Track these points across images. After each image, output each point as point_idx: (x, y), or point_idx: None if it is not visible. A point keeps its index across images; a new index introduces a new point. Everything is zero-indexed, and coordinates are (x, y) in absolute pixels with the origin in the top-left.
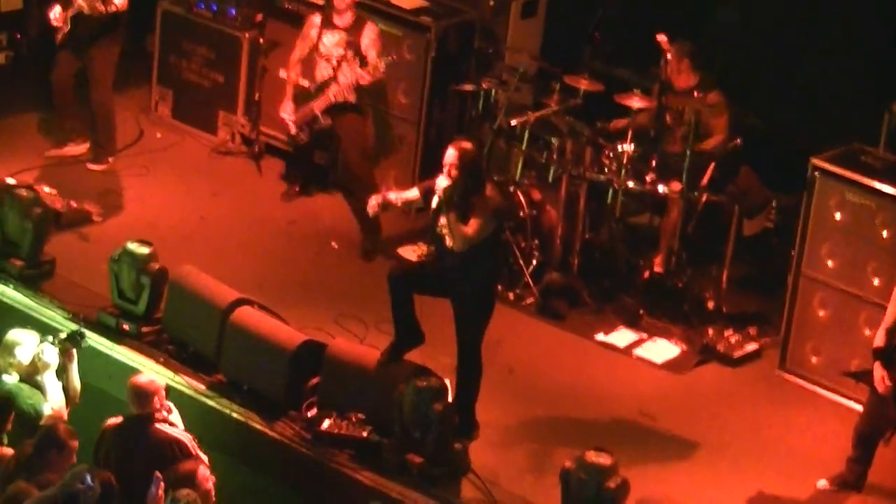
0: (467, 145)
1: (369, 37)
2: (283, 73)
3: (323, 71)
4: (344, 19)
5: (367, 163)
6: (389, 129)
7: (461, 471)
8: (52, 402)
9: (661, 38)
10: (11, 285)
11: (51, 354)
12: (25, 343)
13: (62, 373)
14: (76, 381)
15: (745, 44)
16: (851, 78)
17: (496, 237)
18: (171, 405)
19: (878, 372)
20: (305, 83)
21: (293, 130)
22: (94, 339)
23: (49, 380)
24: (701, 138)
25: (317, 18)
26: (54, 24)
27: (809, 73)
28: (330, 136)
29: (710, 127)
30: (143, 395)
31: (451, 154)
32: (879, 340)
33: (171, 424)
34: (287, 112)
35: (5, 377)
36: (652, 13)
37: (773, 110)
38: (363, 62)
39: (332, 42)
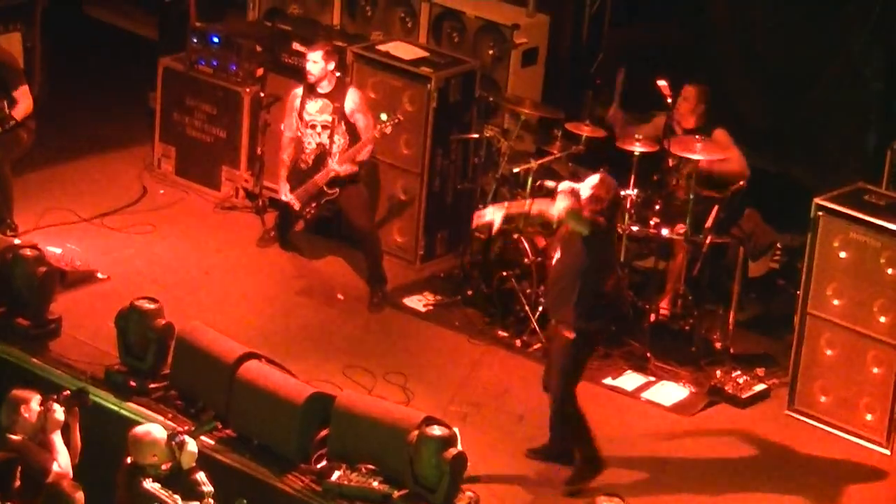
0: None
1: (354, 101)
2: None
3: (311, 140)
4: (324, 87)
5: (372, 223)
6: (395, 180)
7: None
8: (59, 460)
9: (662, 83)
10: (18, 345)
11: (58, 413)
12: (29, 401)
13: (65, 431)
14: (78, 440)
15: (747, 83)
16: (854, 117)
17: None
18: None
19: None
20: (302, 165)
21: (297, 207)
22: (101, 397)
23: (56, 438)
24: (714, 184)
25: (298, 90)
26: None
27: (812, 112)
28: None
29: (722, 167)
30: (137, 445)
31: (594, 178)
32: None
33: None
34: (286, 194)
35: (11, 435)
36: (650, 58)
37: (776, 151)
38: (350, 127)
39: (315, 109)
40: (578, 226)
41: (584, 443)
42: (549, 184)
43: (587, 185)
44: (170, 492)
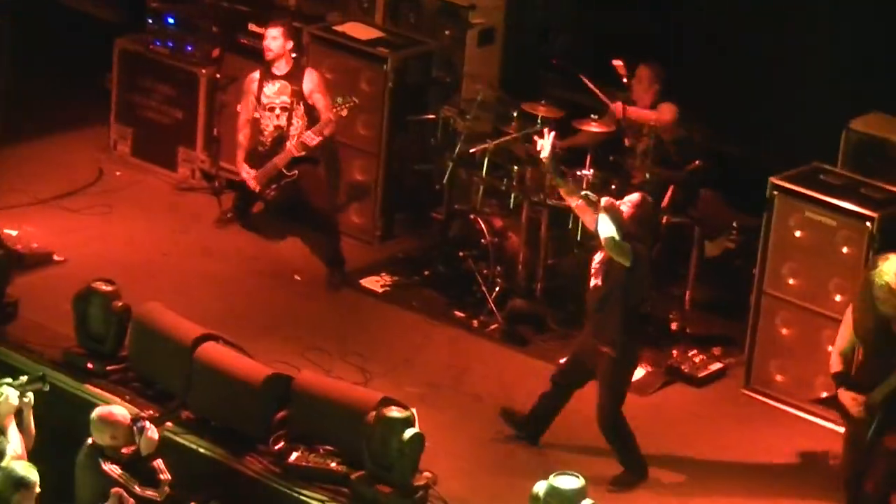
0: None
1: (312, 81)
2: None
3: (269, 122)
4: (281, 68)
5: (330, 204)
6: (352, 161)
7: (430, 500)
8: (14, 446)
9: (618, 63)
10: None
11: (11, 398)
12: None
13: (18, 415)
14: (31, 426)
15: (707, 65)
16: (813, 97)
17: (627, 289)
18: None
19: (846, 396)
20: (260, 147)
21: (257, 189)
22: (59, 379)
23: (10, 423)
24: (670, 163)
25: (255, 74)
26: None
27: (770, 91)
28: (292, 183)
29: (669, 147)
30: (97, 426)
31: (634, 196)
32: (836, 366)
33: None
34: (245, 172)
35: None
36: (608, 38)
37: (734, 132)
38: (308, 108)
39: (273, 91)
40: (621, 258)
41: (631, 450)
42: (593, 196)
43: (628, 205)
44: (128, 476)
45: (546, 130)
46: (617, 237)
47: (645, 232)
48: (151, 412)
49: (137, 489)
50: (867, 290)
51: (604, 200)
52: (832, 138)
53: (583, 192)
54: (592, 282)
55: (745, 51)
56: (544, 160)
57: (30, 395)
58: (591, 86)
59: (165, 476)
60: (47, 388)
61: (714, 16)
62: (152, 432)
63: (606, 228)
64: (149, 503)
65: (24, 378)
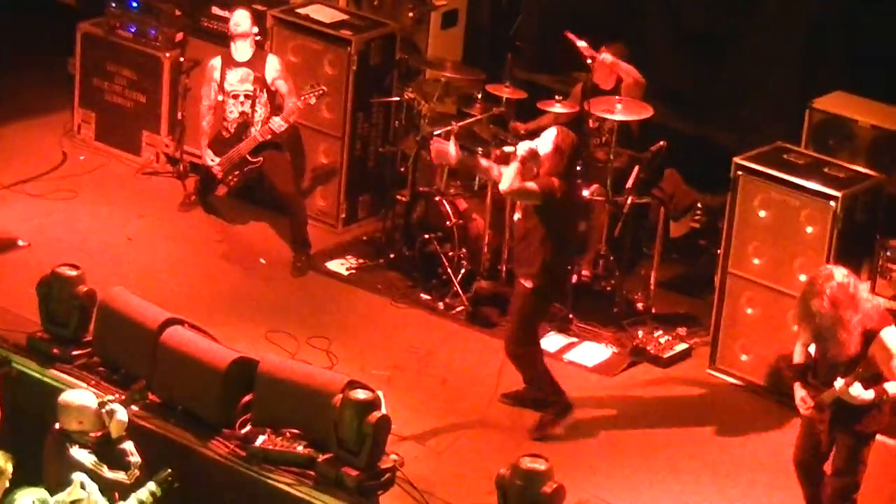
0: (570, 132)
1: (274, 68)
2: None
3: (233, 109)
4: (243, 53)
5: (296, 187)
6: (316, 144)
7: (397, 482)
8: None
9: (581, 43)
10: None
11: None
12: None
13: None
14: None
15: (669, 45)
16: (775, 76)
17: (548, 224)
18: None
19: (799, 393)
20: (224, 133)
21: (220, 175)
22: (24, 365)
23: None
24: (634, 143)
25: (216, 61)
26: None
27: (732, 72)
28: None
29: (631, 126)
30: (66, 410)
31: (551, 131)
32: (798, 357)
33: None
34: (210, 159)
35: None
36: (571, 19)
37: (698, 112)
38: (272, 96)
39: (236, 79)
40: (529, 200)
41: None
42: (508, 149)
43: (547, 141)
44: (96, 460)
45: (443, 138)
46: (515, 186)
47: (565, 163)
48: (118, 395)
49: (107, 472)
50: (805, 305)
51: (520, 148)
52: (793, 117)
53: (504, 149)
54: (515, 215)
55: (704, 29)
56: (455, 164)
57: None
58: (576, 41)
59: (135, 458)
60: (14, 372)
61: None
62: (122, 414)
63: (505, 181)
64: (118, 486)
65: None
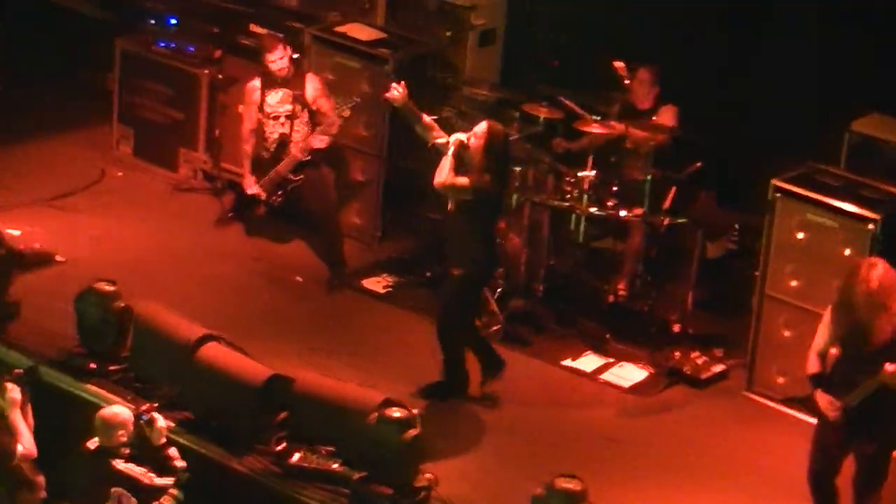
0: (500, 127)
1: (314, 87)
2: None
3: (273, 130)
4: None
5: (332, 205)
6: (353, 162)
7: (431, 501)
8: (23, 441)
9: (619, 64)
10: None
11: (14, 392)
12: None
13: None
14: (31, 419)
15: (701, 65)
16: (807, 97)
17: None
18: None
19: (823, 399)
20: (264, 153)
21: (264, 197)
22: (60, 380)
23: (16, 418)
24: (664, 164)
25: (256, 82)
26: None
27: (765, 92)
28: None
29: (669, 150)
30: (107, 427)
31: (482, 125)
32: (813, 366)
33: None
34: (251, 186)
35: None
36: (608, 39)
37: (729, 132)
38: (313, 115)
39: (276, 100)
40: (460, 195)
41: (483, 348)
42: (441, 141)
43: (477, 135)
44: (143, 469)
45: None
46: (448, 181)
47: (497, 158)
48: (151, 404)
49: (157, 480)
50: (847, 294)
51: (453, 139)
52: (828, 139)
53: (436, 141)
54: (449, 206)
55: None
56: (399, 104)
57: (26, 388)
58: (613, 61)
59: (181, 463)
60: (42, 378)
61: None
62: (161, 422)
63: (440, 173)
64: (163, 493)
65: (20, 371)
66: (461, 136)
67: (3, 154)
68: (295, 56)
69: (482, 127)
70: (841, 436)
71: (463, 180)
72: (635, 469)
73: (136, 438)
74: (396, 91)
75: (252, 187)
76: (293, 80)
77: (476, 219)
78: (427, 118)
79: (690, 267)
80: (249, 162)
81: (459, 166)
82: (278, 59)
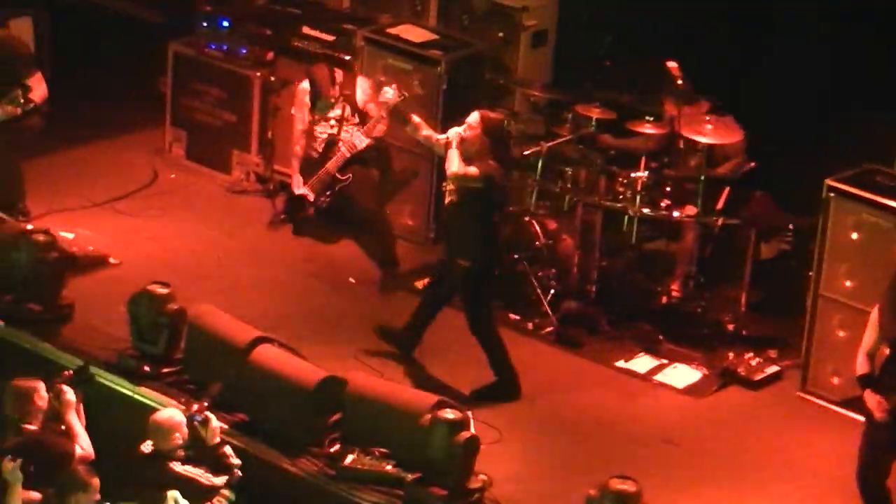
0: (494, 114)
1: (365, 91)
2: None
3: (323, 131)
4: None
5: (382, 206)
6: (405, 164)
7: (485, 502)
8: (81, 443)
9: (672, 64)
10: (30, 331)
11: (69, 394)
12: (39, 389)
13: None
14: (83, 419)
15: (756, 66)
16: (860, 99)
17: (480, 206)
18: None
19: (872, 399)
20: (313, 154)
21: (312, 198)
22: (114, 382)
23: (73, 420)
24: (716, 162)
25: (306, 84)
26: None
27: (821, 94)
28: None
29: (725, 150)
30: (163, 431)
31: (474, 115)
32: (862, 367)
33: (189, 463)
34: (299, 187)
35: (27, 426)
36: (659, 39)
37: (786, 132)
38: (363, 118)
39: (325, 103)
40: (471, 184)
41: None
42: (426, 133)
43: (469, 128)
44: (200, 470)
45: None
46: (459, 171)
47: (495, 144)
48: (201, 403)
49: (214, 479)
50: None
51: (451, 134)
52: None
53: (431, 137)
54: (448, 198)
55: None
56: (392, 106)
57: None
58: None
59: (236, 460)
60: (91, 378)
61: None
62: (214, 421)
63: (451, 163)
64: (216, 492)
65: (70, 373)
66: (458, 129)
67: (56, 157)
68: (346, 57)
69: (475, 117)
70: (889, 436)
71: (472, 170)
72: (690, 470)
73: (191, 439)
74: (389, 93)
75: (300, 187)
76: (344, 83)
77: (478, 209)
78: (416, 118)
79: (744, 268)
80: (298, 162)
81: (464, 158)
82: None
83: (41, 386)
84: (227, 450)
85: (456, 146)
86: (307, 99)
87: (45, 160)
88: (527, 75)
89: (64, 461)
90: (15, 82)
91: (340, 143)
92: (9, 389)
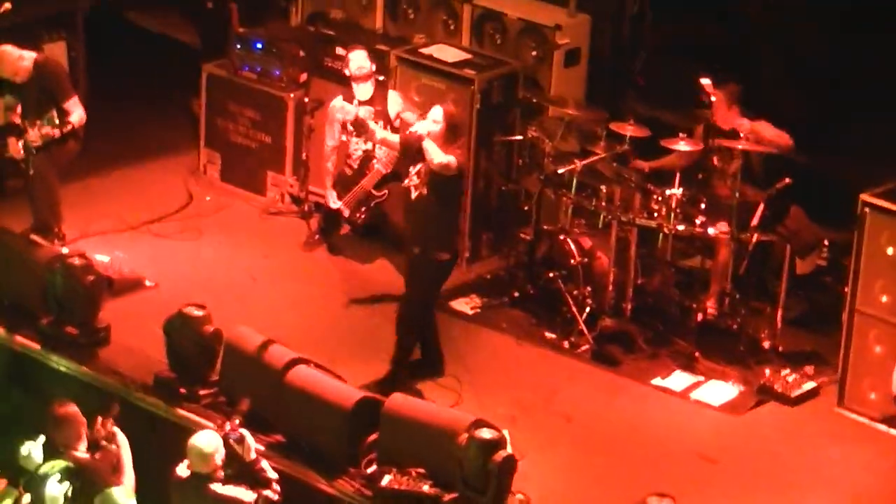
0: (449, 106)
1: (396, 102)
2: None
3: (356, 147)
4: (364, 92)
5: None
6: None
7: None
8: (127, 478)
9: (705, 81)
10: (67, 354)
11: (120, 435)
12: (84, 421)
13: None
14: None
15: (787, 77)
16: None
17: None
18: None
19: None
20: (347, 171)
21: (347, 214)
22: (151, 404)
23: (125, 457)
24: (758, 181)
25: (338, 101)
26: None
27: (855, 109)
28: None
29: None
30: (203, 455)
31: (437, 111)
32: None
33: (229, 482)
34: (334, 201)
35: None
36: (692, 54)
37: (818, 146)
38: (396, 132)
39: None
40: (449, 173)
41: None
42: (394, 138)
43: (434, 122)
44: (241, 488)
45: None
46: (444, 160)
47: (457, 135)
48: (233, 421)
49: (257, 495)
50: None
51: (421, 127)
52: None
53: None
54: (415, 193)
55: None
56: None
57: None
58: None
59: (273, 474)
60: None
61: (792, 29)
62: (249, 437)
63: (436, 155)
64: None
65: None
66: (418, 122)
67: (91, 180)
68: (380, 78)
69: (439, 112)
70: None
71: (453, 158)
72: (727, 487)
73: (228, 458)
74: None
75: (335, 202)
76: (376, 98)
77: (453, 198)
78: (372, 124)
79: (780, 284)
80: (331, 178)
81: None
82: (359, 59)
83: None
84: (264, 464)
85: (431, 139)
86: (339, 115)
87: (80, 183)
88: (560, 93)
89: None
90: (52, 105)
91: (375, 160)
92: (52, 414)
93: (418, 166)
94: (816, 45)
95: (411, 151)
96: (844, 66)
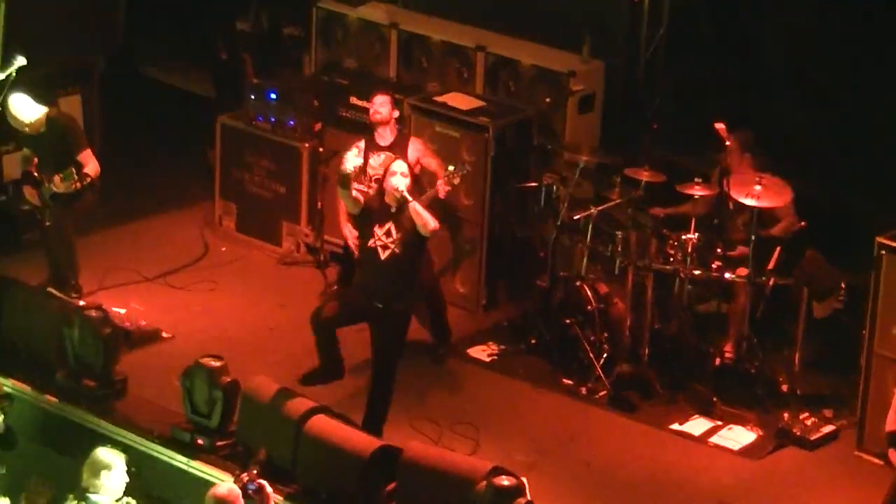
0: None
1: (417, 149)
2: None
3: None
4: (385, 137)
5: (433, 274)
6: (455, 230)
7: None
8: None
9: (720, 126)
10: (85, 407)
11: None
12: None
13: None
14: None
15: (804, 123)
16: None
17: (422, 250)
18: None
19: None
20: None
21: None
22: (169, 456)
23: None
24: (765, 223)
25: (360, 144)
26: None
27: (869, 144)
28: None
29: (774, 211)
30: None
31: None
32: (891, 424)
33: None
34: (353, 241)
35: (94, 497)
36: (706, 99)
37: (834, 186)
38: (416, 180)
39: (378, 163)
40: (427, 233)
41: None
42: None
43: (404, 178)
44: None
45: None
46: (436, 225)
47: (419, 184)
48: (250, 472)
49: None
50: None
51: (399, 187)
52: None
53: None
54: (387, 252)
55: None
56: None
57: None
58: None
59: None
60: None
61: (804, 66)
62: (268, 487)
63: (429, 220)
64: None
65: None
66: (398, 183)
67: (107, 232)
68: (399, 126)
69: (403, 166)
70: None
71: (436, 223)
72: None
73: None
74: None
75: (353, 239)
76: (396, 145)
77: (418, 255)
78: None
79: (797, 327)
80: (347, 216)
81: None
82: (379, 105)
83: (116, 462)
84: None
85: (426, 202)
86: (349, 165)
87: (96, 236)
88: (575, 140)
89: None
90: (69, 159)
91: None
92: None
93: (387, 226)
94: (834, 81)
95: (385, 208)
96: (862, 102)
